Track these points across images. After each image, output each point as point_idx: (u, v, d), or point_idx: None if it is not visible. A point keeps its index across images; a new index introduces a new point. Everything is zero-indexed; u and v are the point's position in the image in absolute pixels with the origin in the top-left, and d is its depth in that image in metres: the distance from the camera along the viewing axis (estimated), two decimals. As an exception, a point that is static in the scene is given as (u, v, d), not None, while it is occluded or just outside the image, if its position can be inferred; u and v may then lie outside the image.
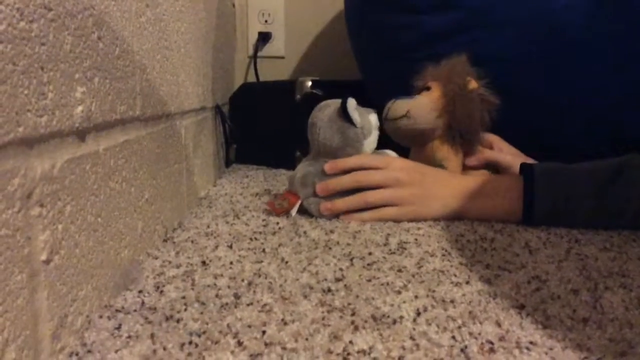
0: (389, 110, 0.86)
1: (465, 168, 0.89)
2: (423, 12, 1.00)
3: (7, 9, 0.32)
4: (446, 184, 0.78)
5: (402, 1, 1.02)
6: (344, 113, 0.76)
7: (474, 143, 0.89)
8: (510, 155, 0.90)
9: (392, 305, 0.48)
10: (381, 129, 0.83)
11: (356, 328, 0.44)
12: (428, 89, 0.88)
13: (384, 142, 0.86)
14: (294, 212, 0.79)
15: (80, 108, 0.42)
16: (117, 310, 0.46)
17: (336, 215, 0.78)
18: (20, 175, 0.33)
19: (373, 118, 0.80)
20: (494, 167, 0.89)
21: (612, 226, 0.72)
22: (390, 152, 0.84)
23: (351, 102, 0.76)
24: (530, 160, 0.86)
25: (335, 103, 0.78)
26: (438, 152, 0.87)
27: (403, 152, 0.90)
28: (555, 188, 0.72)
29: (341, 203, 0.77)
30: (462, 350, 0.40)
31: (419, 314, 0.46)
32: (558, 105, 0.96)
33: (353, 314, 0.46)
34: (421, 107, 0.85)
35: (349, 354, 0.40)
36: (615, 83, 0.94)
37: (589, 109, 0.96)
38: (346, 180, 0.77)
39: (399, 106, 0.85)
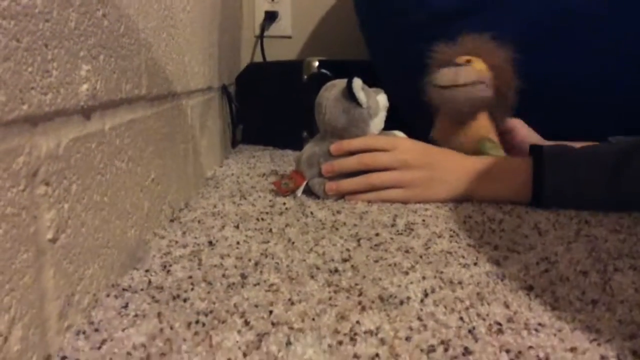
0: (456, 75, 0.83)
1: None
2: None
3: (9, -16, 0.31)
4: (454, 166, 0.77)
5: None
6: (349, 93, 0.75)
7: (505, 119, 0.88)
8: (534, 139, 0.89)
9: (399, 286, 0.48)
10: (389, 109, 0.82)
11: (363, 308, 0.43)
12: (468, 62, 0.86)
13: (393, 121, 0.85)
14: (299, 192, 0.78)
15: (85, 86, 0.41)
16: (124, 289, 0.46)
17: (341, 195, 0.77)
18: (25, 153, 0.33)
19: (381, 98, 0.79)
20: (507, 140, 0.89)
21: (622, 208, 0.71)
22: (399, 133, 0.84)
23: (357, 82, 0.75)
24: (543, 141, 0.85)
25: (342, 83, 0.77)
26: (484, 127, 0.86)
27: (411, 133, 0.89)
28: (565, 170, 0.71)
29: (346, 184, 0.76)
30: (469, 331, 0.40)
31: (426, 294, 0.46)
32: (570, 84, 0.95)
33: (360, 295, 0.46)
34: (487, 77, 0.84)
35: (355, 334, 0.39)
36: (626, 66, 0.93)
37: (600, 91, 0.95)
38: (352, 162, 0.77)
39: (467, 72, 0.83)
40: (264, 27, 1.55)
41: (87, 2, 0.42)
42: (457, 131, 0.87)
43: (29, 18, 0.33)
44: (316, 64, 1.19)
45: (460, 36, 0.88)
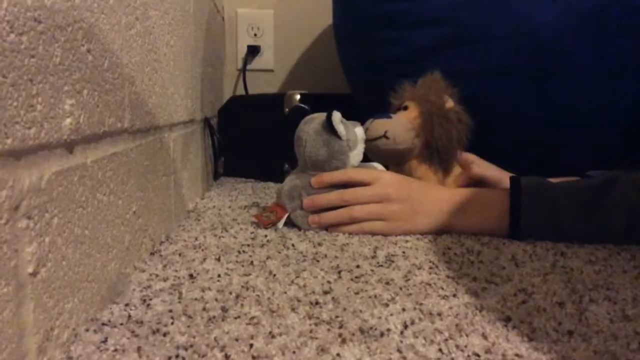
0: (367, 130, 0.86)
1: (449, 185, 0.90)
2: (410, 28, 1.01)
3: (-3, 22, 0.32)
4: (433, 199, 0.78)
5: (389, 17, 1.03)
6: (329, 126, 0.77)
7: (451, 162, 0.89)
8: (490, 169, 0.90)
9: (379, 317, 0.48)
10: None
11: (344, 341, 0.44)
12: (405, 108, 0.89)
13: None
14: (281, 224, 0.79)
15: (68, 120, 0.42)
16: (103, 324, 0.46)
17: (324, 227, 0.78)
18: (8, 187, 0.33)
19: (359, 131, 0.80)
20: (480, 184, 0.89)
21: (598, 241, 0.72)
22: (378, 166, 0.85)
23: (336, 115, 0.77)
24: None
25: (321, 116, 0.79)
26: (416, 172, 0.88)
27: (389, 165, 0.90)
28: (542, 205, 0.73)
29: (329, 217, 0.77)
30: (449, 362, 0.41)
31: (406, 326, 0.47)
32: (544, 118, 0.98)
33: (341, 327, 0.46)
34: (399, 127, 0.86)
35: (336, 366, 0.40)
36: (600, 96, 0.95)
37: (574, 122, 0.97)
38: (332, 198, 0.78)
39: (377, 126, 0.86)
40: (246, 60, 1.57)
41: (72, 37, 0.43)
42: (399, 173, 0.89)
43: (15, 54, 0.34)
44: (297, 97, 1.21)
45: (424, 75, 0.90)
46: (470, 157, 0.93)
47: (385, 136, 0.85)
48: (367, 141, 0.85)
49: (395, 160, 0.88)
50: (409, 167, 0.88)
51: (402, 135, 0.85)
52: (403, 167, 0.88)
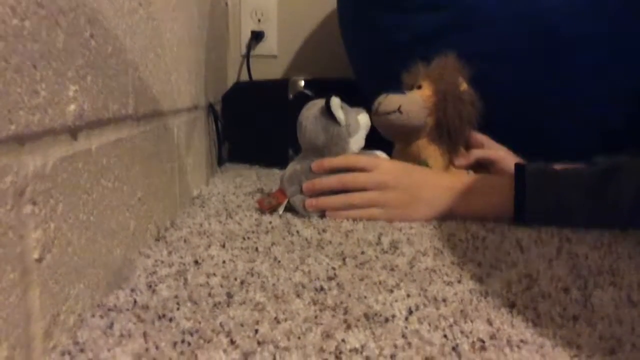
0: (379, 104, 0.86)
1: (455, 168, 0.89)
2: (415, 12, 1.00)
3: (0, 6, 0.32)
4: (434, 186, 0.78)
5: (393, 1, 1.02)
6: (328, 111, 0.77)
7: (459, 144, 0.89)
8: (501, 151, 0.90)
9: (384, 303, 0.48)
10: (372, 128, 0.84)
11: (348, 326, 0.44)
12: (419, 87, 0.89)
13: (375, 140, 0.86)
14: (281, 209, 0.79)
15: (72, 106, 0.42)
16: (109, 309, 0.46)
17: (322, 211, 0.78)
18: (12, 173, 0.33)
19: (362, 117, 0.80)
20: (483, 166, 0.89)
21: (604, 226, 0.72)
22: (380, 153, 0.85)
23: (334, 101, 0.77)
24: (519, 159, 0.86)
25: (321, 102, 0.79)
26: (424, 151, 0.87)
27: (391, 151, 0.90)
28: (547, 191, 0.73)
29: (326, 201, 0.77)
30: (453, 348, 0.41)
31: (411, 312, 0.47)
32: (549, 103, 0.97)
33: (345, 313, 0.46)
34: (413, 103, 0.86)
35: (341, 352, 0.40)
36: (604, 81, 0.95)
37: (580, 107, 0.96)
38: (332, 181, 0.77)
39: (391, 100, 0.85)
40: (250, 46, 1.56)
41: (75, 23, 0.43)
42: (404, 153, 0.89)
43: (18, 39, 0.34)
44: (302, 83, 1.21)
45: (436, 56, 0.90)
46: (482, 138, 0.92)
47: (399, 111, 0.84)
48: (380, 115, 0.85)
49: (405, 136, 0.88)
50: (417, 145, 0.88)
51: (416, 112, 0.85)
52: (411, 145, 0.88)
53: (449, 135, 0.86)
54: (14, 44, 0.33)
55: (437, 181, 0.78)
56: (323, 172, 0.78)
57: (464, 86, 0.87)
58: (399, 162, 0.83)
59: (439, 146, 0.88)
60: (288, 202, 0.80)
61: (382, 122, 0.86)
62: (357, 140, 0.80)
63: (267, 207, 0.80)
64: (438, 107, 0.86)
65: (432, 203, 0.77)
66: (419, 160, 0.86)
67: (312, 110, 0.79)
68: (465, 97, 0.86)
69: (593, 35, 0.92)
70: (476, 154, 0.89)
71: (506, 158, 0.85)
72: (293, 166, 0.81)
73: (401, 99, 0.86)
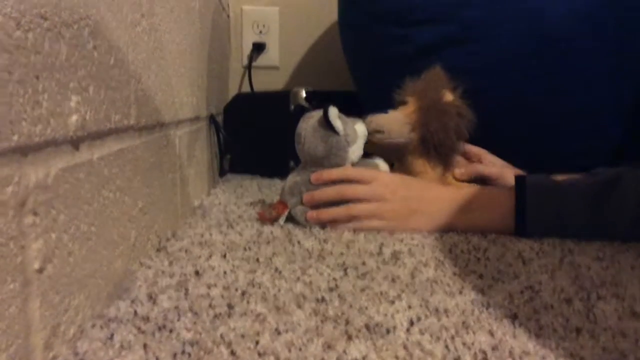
0: (367, 123, 0.86)
1: (456, 180, 0.89)
2: (416, 25, 1.01)
3: (3, 19, 0.32)
4: (434, 199, 0.78)
5: (395, 14, 1.03)
6: (326, 121, 0.77)
7: (451, 157, 0.89)
8: (497, 168, 0.90)
9: (385, 314, 0.48)
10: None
11: (350, 338, 0.44)
12: (405, 103, 0.89)
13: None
14: (282, 220, 0.79)
15: (74, 117, 0.42)
16: (109, 320, 0.46)
17: (322, 223, 0.78)
18: (14, 183, 0.33)
19: (359, 127, 0.81)
20: (481, 181, 0.89)
21: (605, 238, 0.72)
22: (380, 161, 0.85)
23: (332, 111, 0.77)
24: (518, 172, 0.86)
25: (319, 113, 0.79)
26: (413, 166, 0.87)
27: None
28: (548, 203, 0.72)
29: (326, 213, 0.77)
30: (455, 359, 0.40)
31: (412, 323, 0.46)
32: (551, 116, 0.97)
33: (347, 324, 0.46)
34: (394, 121, 0.86)
35: (342, 363, 0.40)
36: (604, 93, 0.95)
37: (583, 119, 0.97)
38: (331, 193, 0.78)
39: (372, 121, 0.85)
40: (251, 57, 1.56)
41: (78, 34, 0.43)
42: (399, 169, 0.89)
43: (20, 50, 0.34)
44: (303, 94, 1.21)
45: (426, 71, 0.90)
46: (479, 151, 0.92)
47: (380, 130, 0.85)
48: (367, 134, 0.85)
49: (391, 155, 0.88)
50: (407, 161, 0.88)
51: (397, 130, 0.85)
52: (401, 162, 0.88)
53: (435, 149, 0.86)
54: (17, 55, 0.34)
55: (437, 194, 0.78)
56: (322, 183, 0.78)
57: (448, 97, 0.87)
58: (398, 174, 0.83)
59: (428, 160, 0.88)
60: (289, 213, 0.80)
61: (369, 142, 0.86)
62: (356, 150, 0.80)
63: (268, 218, 0.80)
64: (421, 122, 0.86)
65: (431, 216, 0.77)
66: (410, 176, 0.86)
67: (309, 121, 0.80)
68: (451, 109, 0.86)
69: (593, 48, 0.92)
70: (476, 169, 0.89)
71: (505, 174, 0.85)
72: (293, 177, 0.81)
73: (382, 118, 0.86)
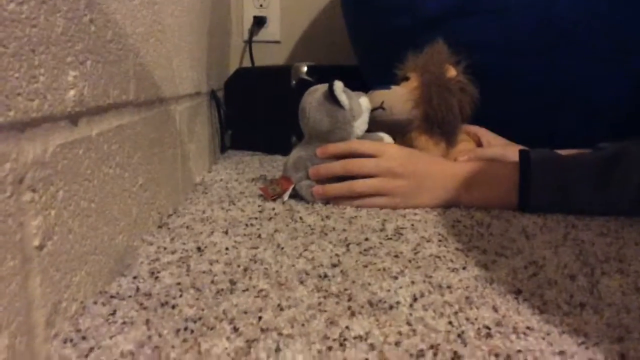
0: (366, 101, 0.85)
1: (453, 157, 0.88)
2: (419, -4, 0.99)
3: (-5, -11, 0.31)
4: (439, 174, 0.77)
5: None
6: (331, 96, 0.76)
7: (454, 133, 0.88)
8: (499, 147, 0.89)
9: (388, 290, 0.48)
10: None
11: (352, 314, 0.43)
12: (407, 79, 0.87)
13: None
14: (286, 196, 0.79)
15: (72, 92, 0.41)
16: (111, 296, 0.46)
17: (327, 198, 0.77)
18: (11, 159, 0.33)
19: (364, 101, 0.80)
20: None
21: (609, 213, 0.72)
22: (385, 135, 0.84)
23: (338, 85, 0.76)
24: (521, 147, 0.85)
25: (324, 87, 0.78)
26: (416, 143, 0.87)
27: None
28: (552, 179, 0.72)
29: (331, 189, 0.77)
30: (459, 335, 0.40)
31: (415, 299, 0.46)
32: (552, 93, 0.96)
33: (349, 300, 0.46)
34: (396, 98, 0.84)
35: (345, 339, 0.39)
36: (608, 69, 0.94)
37: (583, 98, 0.95)
38: (337, 167, 0.77)
39: (374, 97, 0.84)
40: (252, 32, 1.55)
41: (75, 7, 0.42)
42: (401, 145, 0.88)
43: (15, 24, 0.33)
44: (304, 68, 1.20)
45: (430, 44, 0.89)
46: (478, 130, 0.92)
47: (381, 107, 0.84)
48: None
49: (394, 132, 0.87)
50: (409, 138, 0.87)
51: (399, 106, 0.84)
52: (405, 138, 0.87)
53: (439, 126, 0.85)
54: (12, 28, 0.33)
55: (442, 169, 0.77)
56: (328, 157, 0.78)
57: (451, 73, 0.85)
58: (406, 148, 0.81)
59: (431, 137, 0.87)
60: (293, 188, 0.79)
61: (370, 119, 0.85)
62: (361, 124, 0.79)
63: (271, 194, 0.79)
64: (424, 98, 0.84)
65: (437, 191, 0.76)
66: None
67: (314, 95, 0.79)
68: (453, 85, 0.84)
69: (599, 25, 0.91)
70: (480, 153, 0.88)
71: (507, 153, 0.84)
72: (297, 152, 0.80)
73: (384, 94, 0.84)
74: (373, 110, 0.83)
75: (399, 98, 0.84)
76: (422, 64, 0.87)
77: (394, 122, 0.85)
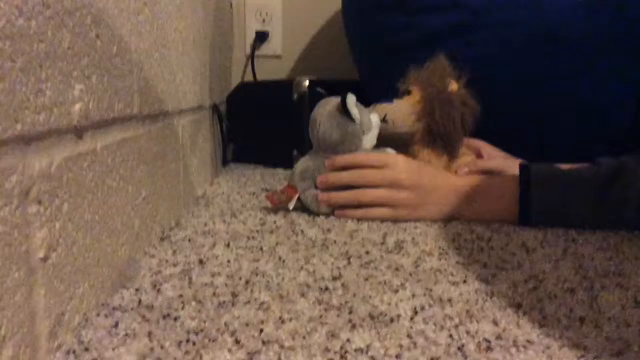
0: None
1: (454, 170, 0.89)
2: (420, 12, 1.00)
3: (5, 6, 0.32)
4: (442, 187, 0.77)
5: (399, 1, 1.02)
6: (343, 108, 0.77)
7: (456, 146, 0.88)
8: (500, 160, 0.90)
9: (389, 303, 0.48)
10: None
11: (353, 326, 0.44)
12: (409, 92, 0.88)
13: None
14: (291, 205, 0.79)
15: (78, 106, 0.42)
16: (114, 308, 0.46)
17: (332, 208, 0.78)
18: (18, 172, 0.33)
19: (374, 117, 0.81)
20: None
21: (608, 228, 0.72)
22: (391, 151, 0.84)
23: (350, 98, 0.77)
24: (520, 161, 0.86)
25: (336, 99, 0.79)
26: (419, 156, 0.87)
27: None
28: (552, 193, 0.72)
29: (336, 197, 0.77)
30: (459, 348, 0.40)
31: (416, 312, 0.46)
32: (553, 106, 0.97)
33: (350, 312, 0.46)
34: (399, 111, 0.85)
35: (346, 352, 0.40)
36: (610, 84, 0.94)
37: (584, 109, 0.96)
38: (345, 176, 0.78)
39: (377, 110, 0.85)
40: (254, 46, 1.56)
41: (81, 23, 0.43)
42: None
43: (24, 38, 0.34)
44: (306, 83, 1.20)
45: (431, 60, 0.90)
46: (479, 144, 0.92)
47: (384, 120, 0.84)
48: None
49: (396, 145, 0.88)
50: (412, 152, 0.88)
51: (401, 120, 0.85)
52: (407, 152, 0.88)
53: (442, 139, 0.86)
54: (20, 43, 0.33)
55: (446, 183, 0.78)
56: (336, 169, 0.78)
57: (453, 87, 0.86)
58: (413, 160, 0.82)
59: (433, 149, 0.87)
60: (298, 198, 0.80)
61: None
62: (370, 139, 0.80)
63: (276, 202, 0.80)
64: (426, 112, 0.85)
65: (440, 204, 0.77)
66: None
67: (326, 107, 0.80)
68: (455, 99, 0.85)
69: (605, 36, 0.92)
70: (479, 166, 0.88)
71: (508, 167, 0.85)
72: (305, 162, 0.81)
73: (386, 108, 0.86)
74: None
75: (402, 111, 0.85)
76: (424, 78, 0.88)
77: (397, 135, 0.85)
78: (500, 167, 0.87)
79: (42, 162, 0.36)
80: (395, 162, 0.78)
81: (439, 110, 0.84)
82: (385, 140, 0.86)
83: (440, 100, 0.85)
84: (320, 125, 0.79)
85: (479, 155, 0.92)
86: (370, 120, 0.80)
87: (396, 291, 0.51)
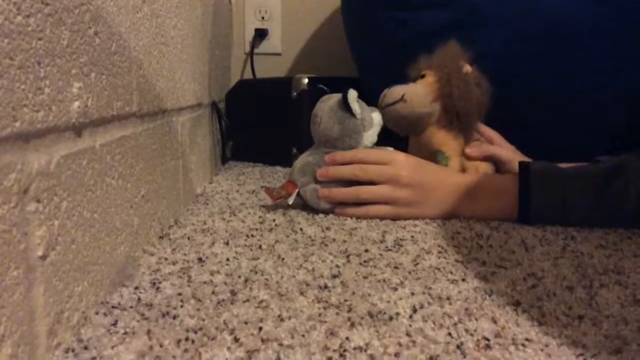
0: (384, 97, 0.86)
1: (466, 158, 0.88)
2: (419, 9, 1.00)
3: (4, 4, 0.32)
4: (443, 185, 0.77)
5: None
6: (344, 104, 0.77)
7: (471, 127, 0.88)
8: (509, 151, 0.90)
9: (388, 301, 0.48)
10: (384, 127, 0.84)
11: (352, 324, 0.44)
12: (422, 77, 0.88)
13: (389, 139, 0.86)
14: (291, 199, 0.79)
15: (76, 103, 0.42)
16: (113, 307, 0.46)
17: (332, 204, 0.78)
18: (16, 170, 0.33)
19: (376, 116, 0.81)
20: (493, 161, 0.88)
21: (608, 226, 0.72)
22: (391, 149, 0.84)
23: (352, 94, 0.77)
24: (527, 159, 0.86)
25: (338, 95, 0.80)
26: (435, 138, 0.87)
27: (400, 149, 0.90)
28: (551, 191, 0.72)
29: (337, 193, 0.77)
30: (458, 346, 0.40)
31: (415, 310, 0.46)
32: (554, 103, 0.97)
33: (349, 311, 0.46)
34: (416, 92, 0.85)
35: (345, 350, 0.40)
36: (610, 81, 0.94)
37: (585, 107, 0.96)
38: (345, 171, 0.78)
39: (394, 91, 0.85)
40: (254, 44, 1.56)
41: (79, 20, 0.42)
42: (418, 144, 0.89)
43: (22, 36, 0.34)
44: (305, 80, 1.20)
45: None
46: (492, 134, 0.92)
47: (402, 99, 0.84)
48: (385, 107, 0.84)
49: (413, 127, 0.87)
50: (428, 133, 0.87)
51: (420, 99, 0.85)
52: (422, 135, 0.88)
53: (459, 119, 0.86)
54: (19, 41, 0.33)
55: (446, 181, 0.78)
56: (336, 164, 0.79)
57: (467, 68, 0.87)
58: (414, 157, 0.82)
59: (449, 131, 0.87)
60: (298, 193, 0.80)
61: (389, 114, 0.85)
62: (371, 136, 0.81)
63: (276, 196, 0.80)
64: (443, 93, 0.85)
65: (440, 202, 0.77)
66: (431, 148, 0.86)
67: (327, 103, 0.80)
68: (470, 78, 0.86)
69: (604, 33, 0.92)
70: (489, 149, 0.88)
71: (514, 161, 0.85)
72: (305, 158, 0.82)
73: (404, 88, 0.86)
74: (393, 103, 0.84)
75: (419, 92, 0.85)
76: (437, 61, 0.88)
77: (415, 114, 0.85)
78: (507, 157, 0.86)
79: (41, 160, 0.36)
80: (396, 159, 0.78)
81: (456, 90, 0.84)
82: (402, 121, 0.86)
83: (457, 80, 0.85)
84: (321, 120, 0.79)
85: (490, 143, 0.92)
86: (372, 117, 0.80)
87: (395, 289, 0.51)
